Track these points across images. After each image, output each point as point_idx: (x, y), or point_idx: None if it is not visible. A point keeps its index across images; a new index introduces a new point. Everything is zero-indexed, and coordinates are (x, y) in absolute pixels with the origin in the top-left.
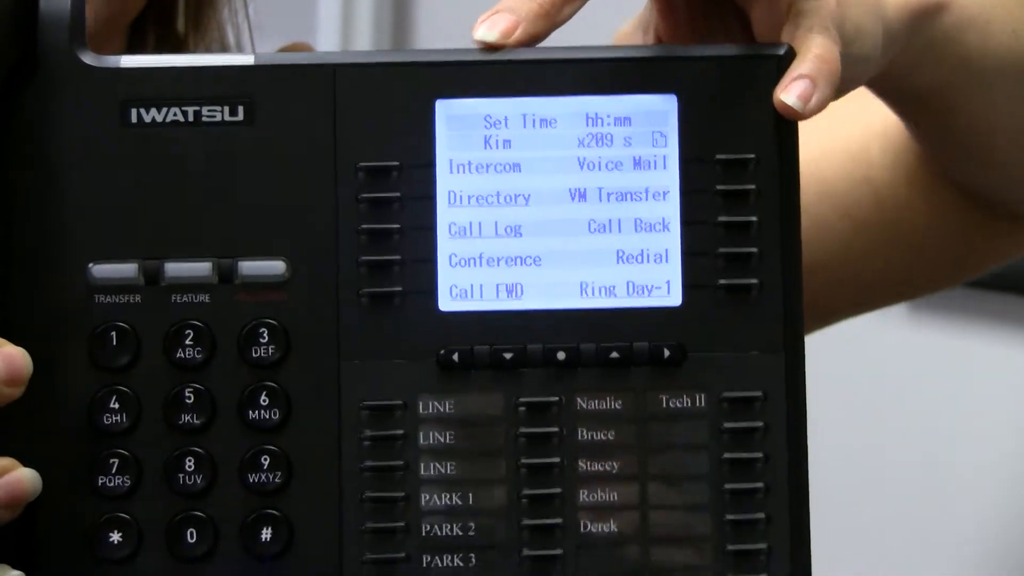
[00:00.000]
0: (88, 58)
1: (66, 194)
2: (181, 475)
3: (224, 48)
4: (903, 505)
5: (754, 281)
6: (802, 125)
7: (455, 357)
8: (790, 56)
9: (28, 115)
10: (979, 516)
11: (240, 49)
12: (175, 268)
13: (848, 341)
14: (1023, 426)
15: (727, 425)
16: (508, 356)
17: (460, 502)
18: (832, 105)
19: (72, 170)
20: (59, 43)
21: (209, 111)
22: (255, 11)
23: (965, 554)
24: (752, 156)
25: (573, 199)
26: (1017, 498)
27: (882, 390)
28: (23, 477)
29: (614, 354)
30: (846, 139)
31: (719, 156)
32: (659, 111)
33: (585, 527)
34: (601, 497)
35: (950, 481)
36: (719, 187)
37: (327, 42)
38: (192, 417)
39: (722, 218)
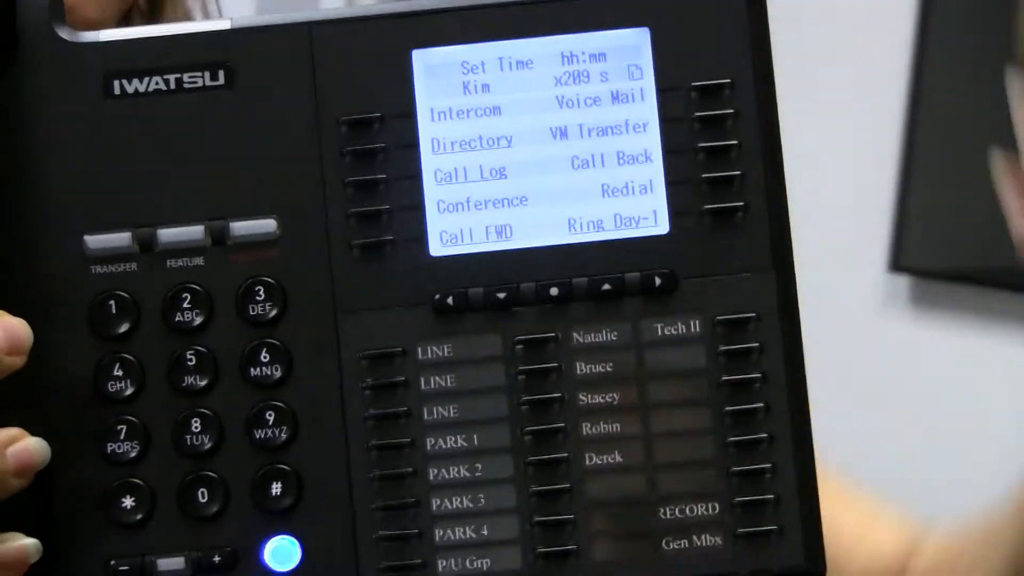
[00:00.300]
0: (67, 34)
1: (55, 168)
2: (188, 436)
3: None
4: (905, 503)
5: (740, 203)
6: None
7: (450, 301)
8: None
9: (11, 93)
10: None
11: None
12: (168, 234)
13: (849, 339)
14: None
15: (723, 348)
16: (502, 296)
17: (465, 444)
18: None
19: (59, 144)
20: (38, 21)
21: (190, 77)
22: (259, 12)
23: None
24: (728, 80)
25: (555, 137)
26: None
27: (885, 386)
28: (31, 446)
29: (606, 286)
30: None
31: (695, 83)
32: (632, 45)
33: (590, 459)
34: (604, 429)
35: (953, 477)
36: (697, 114)
37: None
38: (195, 379)
39: (703, 144)
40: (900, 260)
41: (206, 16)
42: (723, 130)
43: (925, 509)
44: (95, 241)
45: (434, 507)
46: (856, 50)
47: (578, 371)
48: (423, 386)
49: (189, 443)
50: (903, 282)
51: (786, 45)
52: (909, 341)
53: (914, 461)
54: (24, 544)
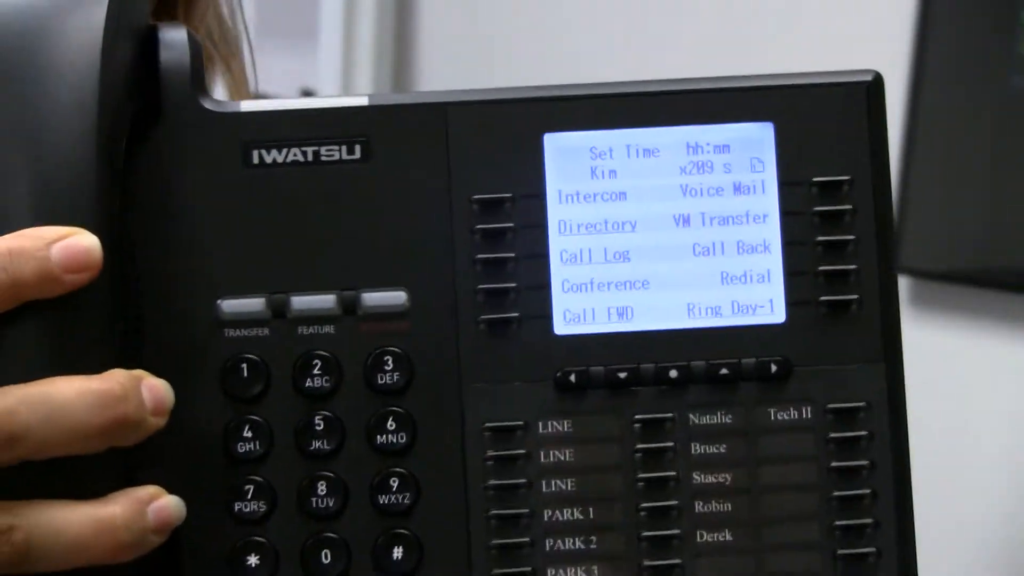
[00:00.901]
0: (209, 104)
1: (193, 233)
2: (314, 499)
3: (218, 38)
4: None
5: (854, 297)
6: None
7: (572, 378)
8: (878, 81)
9: (154, 160)
10: (982, 513)
11: (236, 35)
12: (300, 301)
13: None
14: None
15: (833, 435)
16: (622, 376)
17: (581, 517)
18: None
19: (198, 210)
20: (181, 91)
21: (327, 150)
22: (259, 11)
23: (967, 551)
24: (847, 178)
25: (677, 224)
26: (1019, 495)
27: None
28: (170, 504)
29: (723, 371)
30: None
31: (815, 179)
32: (756, 138)
33: (701, 536)
34: (716, 507)
35: (952, 478)
36: (816, 208)
37: (329, 42)
38: (323, 443)
39: (820, 237)
40: (899, 261)
41: (231, 16)
42: (841, 225)
43: (923, 510)
44: (230, 306)
45: (549, 575)
46: (855, 50)
47: (693, 451)
48: (542, 459)
49: (314, 505)
50: (902, 283)
51: (785, 45)
52: (908, 342)
53: (913, 462)
54: (169, 503)
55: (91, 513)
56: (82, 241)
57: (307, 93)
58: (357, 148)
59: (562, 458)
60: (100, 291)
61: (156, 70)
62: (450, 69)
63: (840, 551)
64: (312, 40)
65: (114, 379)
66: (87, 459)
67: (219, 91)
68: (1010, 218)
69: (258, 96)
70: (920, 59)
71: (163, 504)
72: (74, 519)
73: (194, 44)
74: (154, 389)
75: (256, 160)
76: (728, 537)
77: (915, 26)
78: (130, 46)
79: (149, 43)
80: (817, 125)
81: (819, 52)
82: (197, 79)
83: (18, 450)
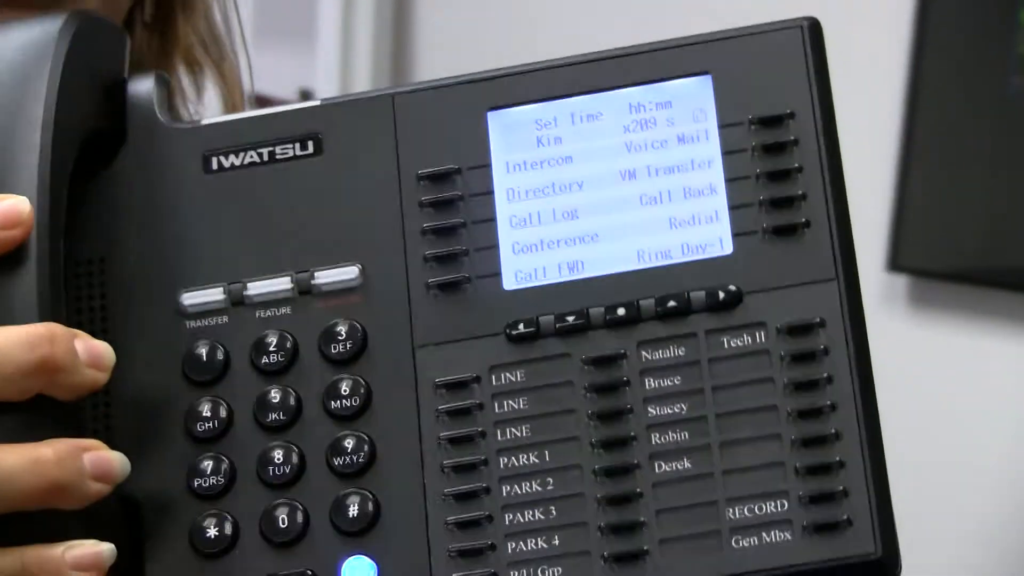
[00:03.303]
0: (171, 123)
1: (155, 235)
2: (271, 467)
3: (209, 42)
4: (904, 505)
5: (800, 220)
6: None
7: (521, 327)
8: (816, 25)
9: (121, 173)
10: (982, 511)
11: (230, 39)
12: (257, 286)
13: None
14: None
15: (787, 352)
16: (571, 319)
17: (537, 461)
18: None
19: (161, 214)
20: (146, 114)
21: (282, 149)
22: (257, 11)
23: (967, 550)
24: (788, 111)
25: (624, 179)
26: (1019, 494)
27: (883, 385)
28: (111, 455)
29: (672, 303)
30: None
31: (754, 116)
32: (696, 90)
33: (660, 467)
34: (672, 437)
35: (951, 477)
36: (755, 143)
37: (327, 42)
38: (278, 415)
39: (761, 169)
40: (898, 260)
41: (225, 20)
42: (784, 155)
43: (922, 508)
44: (189, 297)
45: (507, 522)
46: (854, 50)
47: (647, 386)
48: (496, 409)
49: (272, 473)
50: (901, 282)
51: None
52: (907, 341)
53: (912, 461)
54: (100, 549)
55: (23, 450)
56: (15, 202)
57: (305, 94)
58: (310, 144)
59: (516, 406)
60: (39, 257)
61: (124, 98)
62: (448, 69)
63: (802, 463)
64: (310, 40)
65: (43, 325)
66: (24, 410)
67: (211, 94)
68: (1010, 218)
69: (258, 99)
70: (919, 59)
71: (103, 454)
72: (5, 455)
73: (160, 79)
74: (91, 344)
75: (215, 166)
76: (687, 465)
77: (914, 26)
78: (87, 85)
79: (119, 87)
80: (754, 69)
81: None
82: (161, 104)
83: None
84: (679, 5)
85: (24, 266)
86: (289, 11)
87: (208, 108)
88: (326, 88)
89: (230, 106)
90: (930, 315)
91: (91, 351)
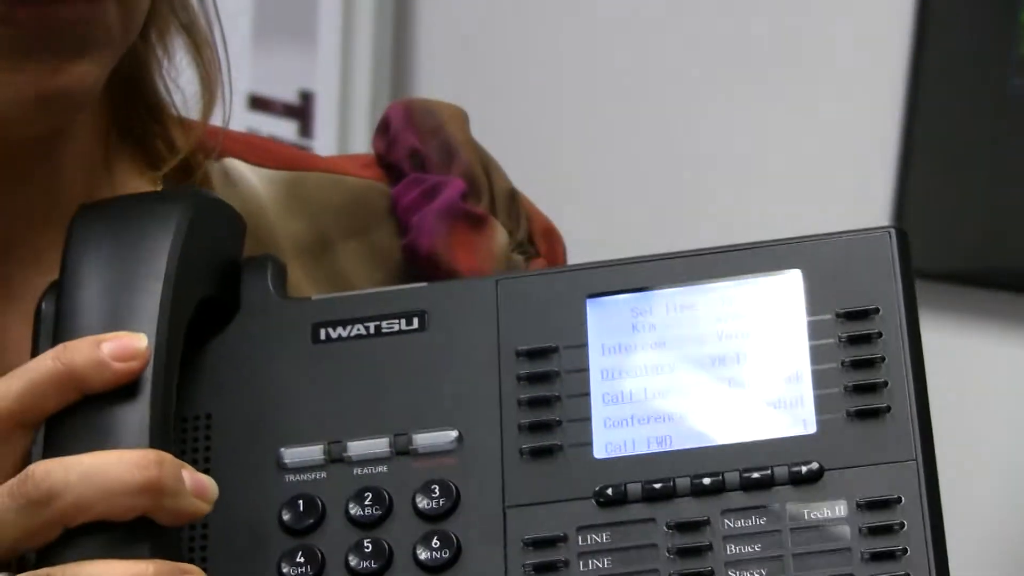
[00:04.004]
0: (283, 296)
1: (262, 394)
2: None
3: (188, 26)
4: None
5: (883, 405)
6: None
7: (609, 492)
8: (903, 232)
9: (233, 338)
10: (981, 512)
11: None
12: (356, 445)
13: None
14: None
15: (866, 523)
16: (658, 487)
17: None
18: None
19: (269, 376)
20: (260, 286)
21: (388, 324)
22: (258, 11)
23: (967, 551)
24: (874, 307)
25: (714, 364)
26: (1018, 494)
27: None
28: None
29: (755, 475)
30: None
31: (843, 309)
32: (786, 285)
33: None
34: None
35: (951, 477)
36: (843, 333)
37: (328, 43)
38: (370, 563)
39: (849, 357)
40: None
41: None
42: (869, 345)
43: None
44: (290, 453)
45: None
46: (855, 50)
47: (728, 551)
48: (582, 568)
49: None
50: None
51: (785, 45)
52: None
53: None
54: None
55: (128, 566)
56: (130, 338)
57: (306, 95)
58: (415, 320)
59: (600, 565)
60: (153, 387)
61: (239, 273)
62: (449, 69)
63: None
64: (310, 40)
65: (155, 452)
66: (128, 529)
67: (188, 78)
68: (1009, 219)
69: (257, 99)
70: (919, 60)
71: None
72: (109, 569)
73: (275, 261)
74: (196, 476)
75: (323, 337)
76: None
77: (914, 27)
78: (206, 257)
79: (234, 263)
80: (844, 268)
81: (821, 51)
82: (276, 279)
83: (56, 506)
84: (681, 7)
85: (139, 397)
86: (289, 11)
87: (183, 73)
88: (326, 90)
89: (204, 76)
90: (929, 316)
91: (197, 481)
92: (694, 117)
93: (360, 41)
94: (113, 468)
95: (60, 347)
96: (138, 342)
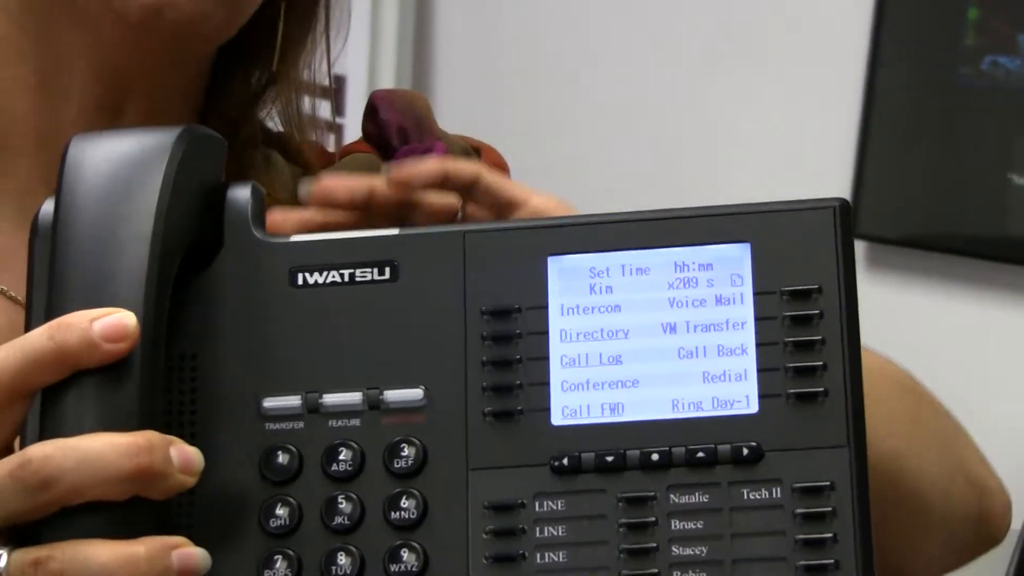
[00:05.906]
0: (264, 236)
1: (243, 340)
2: (334, 567)
3: (311, 87)
4: None
5: (820, 389)
6: None
7: (565, 462)
8: (846, 206)
9: (216, 277)
10: None
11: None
12: (332, 398)
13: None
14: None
15: (800, 509)
16: (610, 460)
17: None
18: None
19: (250, 321)
20: (242, 226)
21: (362, 272)
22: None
23: None
24: (816, 286)
25: (665, 332)
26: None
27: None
28: (195, 552)
29: (700, 454)
30: None
31: (785, 288)
32: (735, 256)
33: None
34: None
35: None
36: (787, 313)
37: (357, 34)
38: (344, 519)
39: (791, 337)
40: (857, 228)
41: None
42: (810, 327)
43: None
44: (271, 402)
45: None
46: (819, 42)
47: (673, 527)
48: (538, 534)
49: (334, 572)
50: (859, 247)
51: (749, 20)
52: (863, 302)
53: None
54: (195, 552)
55: (118, 548)
56: (122, 316)
57: (338, 78)
58: (387, 270)
59: (555, 533)
60: (141, 366)
61: (222, 209)
62: (466, 56)
63: None
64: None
65: (143, 435)
66: (121, 508)
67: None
68: (955, 189)
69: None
70: (876, 48)
71: (189, 551)
72: (102, 550)
73: (255, 191)
74: (183, 451)
75: (300, 281)
76: None
77: (873, 21)
78: (192, 199)
79: (217, 193)
80: (789, 243)
81: (789, 37)
82: (256, 216)
83: (54, 491)
84: (683, 10)
85: (127, 377)
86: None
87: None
88: (356, 75)
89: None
90: (883, 277)
91: (184, 458)
92: (682, 103)
93: (385, 32)
94: (107, 455)
95: (55, 324)
96: (127, 320)
